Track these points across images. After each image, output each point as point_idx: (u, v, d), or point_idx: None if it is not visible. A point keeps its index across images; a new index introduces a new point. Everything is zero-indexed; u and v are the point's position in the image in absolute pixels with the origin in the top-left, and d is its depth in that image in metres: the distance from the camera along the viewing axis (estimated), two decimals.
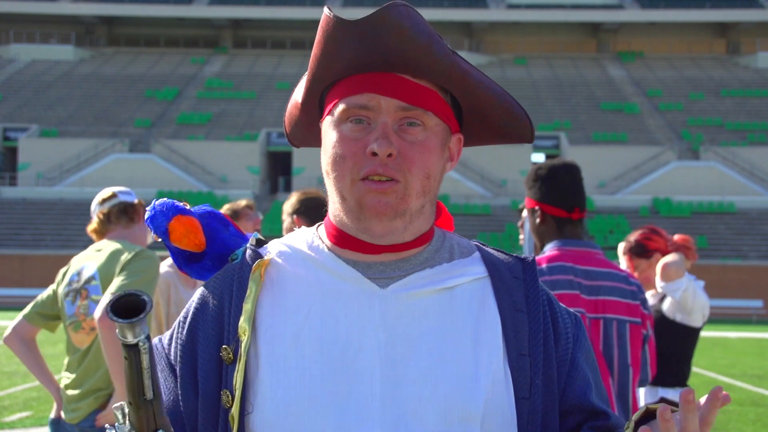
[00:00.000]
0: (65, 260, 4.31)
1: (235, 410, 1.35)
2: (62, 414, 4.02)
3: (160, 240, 1.54)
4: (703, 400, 1.20)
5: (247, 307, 1.39)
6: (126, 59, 57.31)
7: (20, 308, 4.28)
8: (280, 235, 1.75)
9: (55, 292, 4.17)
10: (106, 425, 1.27)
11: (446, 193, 39.88)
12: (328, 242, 1.45)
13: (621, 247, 4.91)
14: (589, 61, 58.30)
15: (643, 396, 4.69)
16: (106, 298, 3.79)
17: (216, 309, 1.42)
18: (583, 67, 56.96)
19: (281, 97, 49.72)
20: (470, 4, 59.00)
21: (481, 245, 1.53)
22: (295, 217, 4.00)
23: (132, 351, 1.20)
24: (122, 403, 1.24)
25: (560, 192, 3.29)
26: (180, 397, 1.40)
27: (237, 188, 42.25)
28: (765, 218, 40.18)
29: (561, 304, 1.53)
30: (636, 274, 4.71)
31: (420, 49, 1.35)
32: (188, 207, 1.55)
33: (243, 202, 4.86)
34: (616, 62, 58.03)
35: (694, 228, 37.43)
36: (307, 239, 1.48)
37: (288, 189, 43.10)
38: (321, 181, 1.48)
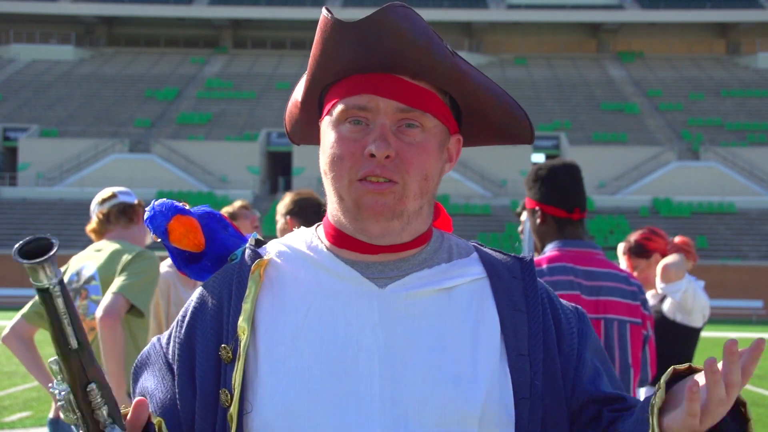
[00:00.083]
0: (65, 260, 4.30)
1: (233, 410, 1.35)
2: (61, 414, 4.02)
3: (159, 240, 1.54)
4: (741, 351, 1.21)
5: (246, 306, 1.39)
6: (126, 59, 57.32)
7: (20, 308, 4.27)
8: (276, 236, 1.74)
9: None
10: (49, 384, 1.28)
11: (446, 193, 39.89)
12: (326, 242, 1.45)
13: (621, 247, 4.92)
14: (589, 61, 58.31)
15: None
16: (106, 298, 3.79)
17: (215, 308, 1.42)
18: (583, 67, 56.97)
19: (281, 97, 49.73)
20: (470, 4, 59.01)
21: (479, 246, 1.53)
22: (288, 217, 3.99)
23: (45, 296, 1.18)
24: (56, 357, 1.23)
25: (560, 192, 3.28)
26: (177, 396, 1.40)
27: (237, 188, 42.25)
28: (765, 218, 40.19)
29: (562, 300, 1.53)
30: (635, 274, 4.71)
31: (419, 50, 1.35)
32: (187, 207, 1.55)
33: (238, 203, 4.88)
34: (616, 62, 58.04)
35: (694, 228, 37.44)
36: (306, 239, 1.48)
37: (288, 189, 43.01)
38: (320, 182, 1.48)
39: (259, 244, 1.52)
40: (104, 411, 1.25)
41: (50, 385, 1.25)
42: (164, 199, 1.54)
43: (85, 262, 4.11)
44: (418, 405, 1.33)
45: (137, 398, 1.32)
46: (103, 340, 3.72)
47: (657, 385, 1.27)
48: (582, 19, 58.19)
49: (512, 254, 1.52)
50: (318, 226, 1.51)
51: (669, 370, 1.28)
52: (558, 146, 44.86)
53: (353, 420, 1.32)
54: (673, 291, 4.53)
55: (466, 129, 1.50)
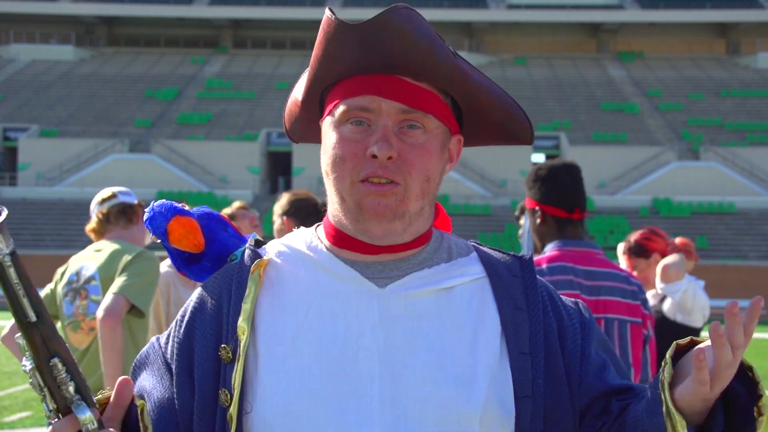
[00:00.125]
0: (65, 260, 4.31)
1: (233, 410, 1.35)
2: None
3: (159, 241, 1.54)
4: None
5: (246, 306, 1.39)
6: (126, 59, 57.32)
7: None
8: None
9: (52, 291, 4.17)
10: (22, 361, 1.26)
11: (446, 193, 39.89)
12: (326, 242, 1.46)
13: (620, 247, 4.92)
14: (589, 61, 58.31)
15: None
16: (107, 299, 3.80)
17: (214, 308, 1.42)
18: (583, 67, 56.97)
19: (281, 97, 49.71)
20: (470, 4, 59.02)
21: (478, 245, 1.53)
22: (285, 218, 3.98)
23: None
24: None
25: (560, 192, 3.28)
26: (175, 395, 1.40)
27: (237, 188, 42.26)
28: (765, 218, 40.19)
29: (563, 296, 1.52)
30: (635, 274, 4.71)
31: (421, 51, 1.35)
32: (187, 208, 1.55)
33: (236, 204, 4.90)
34: (616, 62, 58.04)
35: (694, 228, 37.45)
36: (306, 239, 1.48)
37: (288, 189, 43.04)
38: (321, 181, 1.48)
39: (258, 244, 1.52)
40: (71, 387, 1.23)
41: (22, 363, 1.23)
42: (163, 200, 1.54)
43: (85, 262, 4.11)
44: (418, 405, 1.33)
45: (121, 379, 1.31)
46: (103, 341, 3.72)
47: (663, 362, 1.28)
48: (582, 19, 58.18)
49: (511, 253, 1.52)
50: (318, 226, 1.51)
51: (672, 345, 1.30)
52: (558, 146, 44.86)
53: (353, 420, 1.32)
54: (673, 291, 4.53)
55: (466, 129, 1.50)
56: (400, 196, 1.37)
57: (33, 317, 1.19)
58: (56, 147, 44.38)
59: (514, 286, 1.45)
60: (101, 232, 4.20)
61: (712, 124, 48.23)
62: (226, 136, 46.08)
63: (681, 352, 1.32)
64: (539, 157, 44.02)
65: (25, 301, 1.18)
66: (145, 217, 1.53)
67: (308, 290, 1.40)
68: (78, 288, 4.04)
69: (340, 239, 1.43)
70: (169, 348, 1.44)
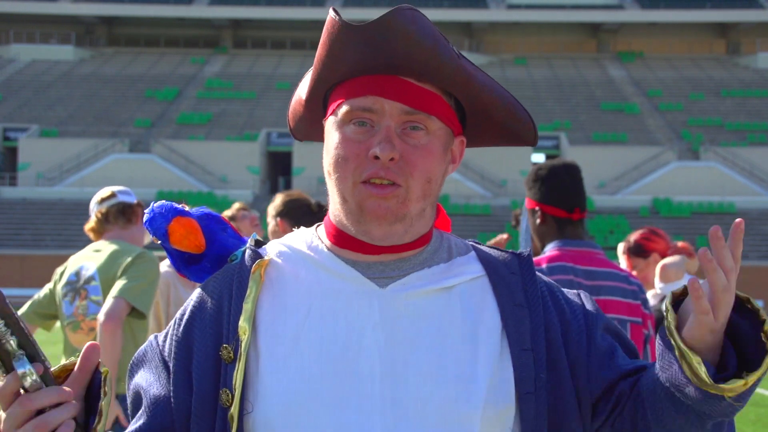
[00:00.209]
0: (65, 260, 4.31)
1: (234, 409, 1.35)
2: None
3: (159, 242, 1.54)
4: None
5: (247, 306, 1.39)
6: (126, 59, 57.32)
7: (19, 308, 4.27)
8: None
9: (52, 291, 4.17)
10: None
11: (446, 193, 39.89)
12: (327, 242, 1.46)
13: (621, 246, 4.93)
14: (589, 61, 58.32)
15: None
16: (108, 303, 3.81)
17: (214, 308, 1.43)
18: (583, 67, 56.98)
19: (281, 97, 49.73)
20: (470, 4, 59.02)
21: (476, 244, 1.53)
22: (278, 219, 3.98)
23: None
24: None
25: (560, 192, 3.29)
26: (171, 394, 1.40)
27: (237, 188, 42.26)
28: (765, 218, 40.19)
29: (564, 290, 1.53)
30: (634, 273, 4.72)
31: (426, 53, 1.35)
32: (187, 208, 1.55)
33: (236, 206, 4.90)
34: (616, 62, 58.04)
35: (694, 228, 37.44)
36: (306, 239, 1.48)
37: (288, 189, 43.03)
38: (321, 181, 1.48)
39: (258, 244, 1.52)
40: (12, 342, 1.18)
41: None
42: (163, 201, 1.54)
43: (84, 262, 4.11)
44: (419, 405, 1.33)
45: (89, 344, 1.28)
46: (103, 345, 3.72)
47: (664, 310, 1.30)
48: (582, 19, 58.19)
49: (510, 250, 1.52)
50: (318, 226, 1.51)
51: (669, 295, 1.32)
52: (558, 146, 44.86)
53: (354, 419, 1.32)
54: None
55: (469, 130, 1.50)
56: (401, 198, 1.37)
57: None
58: (56, 147, 44.38)
59: (514, 283, 1.45)
60: (100, 232, 4.20)
61: (712, 124, 48.23)
62: (226, 136, 46.08)
63: (679, 303, 1.33)
64: (539, 157, 44.02)
65: None
66: (144, 219, 1.52)
67: (309, 290, 1.41)
68: (78, 288, 4.04)
69: (341, 239, 1.43)
70: (167, 346, 1.44)
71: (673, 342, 1.27)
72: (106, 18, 59.10)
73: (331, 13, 1.37)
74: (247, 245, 1.50)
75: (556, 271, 3.16)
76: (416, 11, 1.34)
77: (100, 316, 3.76)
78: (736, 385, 1.24)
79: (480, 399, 1.34)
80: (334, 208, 1.43)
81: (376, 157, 1.35)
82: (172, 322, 1.47)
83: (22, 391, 1.20)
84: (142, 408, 1.42)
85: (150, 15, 57.68)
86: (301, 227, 1.56)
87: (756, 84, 53.06)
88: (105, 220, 4.18)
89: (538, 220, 3.34)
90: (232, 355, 1.37)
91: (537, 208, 3.33)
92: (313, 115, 1.52)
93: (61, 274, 4.18)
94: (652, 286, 4.75)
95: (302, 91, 1.51)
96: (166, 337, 1.46)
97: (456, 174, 41.37)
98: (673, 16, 57.39)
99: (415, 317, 1.38)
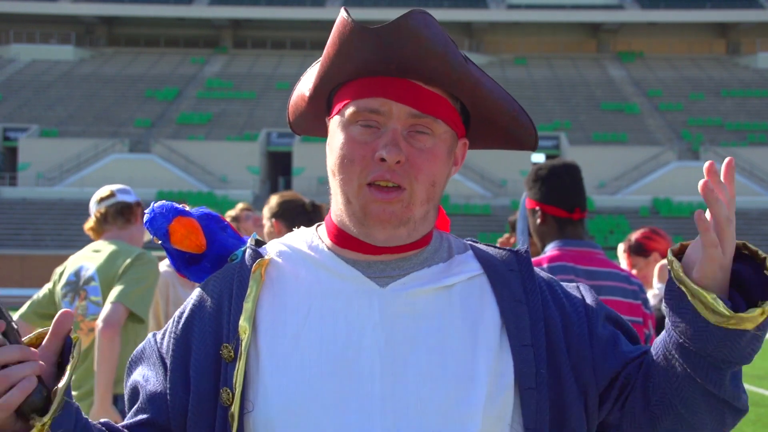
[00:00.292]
0: (65, 260, 4.31)
1: (235, 408, 1.35)
2: None
3: (159, 242, 1.54)
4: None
5: (247, 306, 1.39)
6: (126, 59, 57.33)
7: (19, 308, 4.27)
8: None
9: (51, 291, 4.17)
10: None
11: (446, 193, 39.86)
12: (328, 242, 1.46)
13: (621, 246, 4.94)
14: (589, 61, 58.32)
15: None
16: (106, 308, 3.81)
17: (214, 307, 1.43)
18: (583, 67, 56.98)
19: (281, 97, 49.73)
20: (470, 4, 59.03)
21: (474, 243, 1.53)
22: (273, 220, 3.98)
23: None
24: None
25: (561, 192, 3.29)
26: (168, 391, 1.41)
27: (237, 188, 42.25)
28: (765, 218, 40.20)
29: (563, 284, 1.53)
30: (634, 273, 4.72)
31: (436, 57, 1.36)
32: (187, 208, 1.55)
33: (240, 206, 4.91)
34: (616, 62, 58.04)
35: (694, 228, 37.28)
36: (307, 239, 1.48)
37: (288, 189, 43.07)
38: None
39: (259, 244, 1.52)
40: None
41: None
42: (163, 201, 1.54)
43: (84, 262, 4.10)
44: (419, 404, 1.34)
45: (63, 311, 1.29)
46: (100, 351, 3.73)
47: (668, 262, 1.32)
48: (582, 19, 58.19)
49: (507, 248, 1.53)
50: (319, 225, 1.52)
51: (669, 250, 1.34)
52: (558, 146, 44.86)
53: (354, 419, 1.33)
54: None
55: (472, 132, 1.51)
56: (406, 202, 1.37)
57: None
58: (56, 147, 44.38)
59: (512, 280, 1.45)
60: (99, 231, 4.20)
61: (712, 124, 48.23)
62: (226, 136, 46.08)
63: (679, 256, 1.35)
64: (539, 157, 44.01)
65: None
66: (145, 219, 1.52)
67: (309, 289, 1.41)
68: (77, 288, 4.04)
69: (342, 239, 1.43)
70: (165, 344, 1.45)
71: (684, 288, 1.29)
72: (106, 18, 59.10)
73: (343, 14, 1.37)
74: (248, 245, 1.50)
75: (557, 271, 3.16)
76: (429, 15, 1.34)
77: (99, 323, 3.76)
78: (754, 314, 1.26)
79: (480, 398, 1.35)
80: (337, 209, 1.43)
81: (383, 160, 1.35)
82: (171, 320, 1.47)
83: None
84: (138, 403, 1.43)
85: (150, 15, 57.67)
86: (301, 227, 1.56)
87: (756, 84, 53.06)
88: (104, 220, 4.17)
89: (538, 220, 3.34)
90: (232, 354, 1.37)
91: (537, 208, 3.33)
92: (315, 111, 1.51)
93: (61, 274, 4.18)
94: (651, 286, 4.75)
95: (305, 87, 1.51)
96: (164, 335, 1.46)
97: (456, 174, 41.12)
98: (673, 16, 57.39)
99: (415, 316, 1.39)
